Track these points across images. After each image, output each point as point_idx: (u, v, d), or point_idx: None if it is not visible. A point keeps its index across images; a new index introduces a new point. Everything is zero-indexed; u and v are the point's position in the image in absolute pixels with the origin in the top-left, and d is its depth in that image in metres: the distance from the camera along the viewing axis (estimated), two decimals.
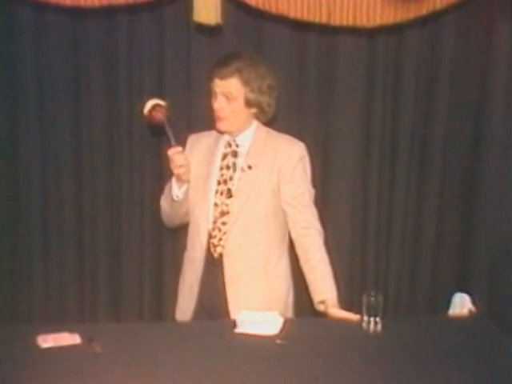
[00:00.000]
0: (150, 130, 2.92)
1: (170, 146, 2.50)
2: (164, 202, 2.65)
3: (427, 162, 3.14)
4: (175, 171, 2.52)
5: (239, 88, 2.48)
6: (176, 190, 2.57)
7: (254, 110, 2.54)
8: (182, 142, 2.63)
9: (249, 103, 2.51)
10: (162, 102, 2.52)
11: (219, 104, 2.49)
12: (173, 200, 2.59)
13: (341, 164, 3.12)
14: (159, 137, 3.00)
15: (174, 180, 2.57)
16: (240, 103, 2.50)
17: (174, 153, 2.50)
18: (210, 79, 2.51)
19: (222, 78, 2.47)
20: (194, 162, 2.60)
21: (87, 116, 3.04)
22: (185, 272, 2.65)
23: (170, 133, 2.50)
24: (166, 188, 2.63)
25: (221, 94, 2.49)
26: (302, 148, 2.58)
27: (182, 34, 2.96)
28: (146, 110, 2.52)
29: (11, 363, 1.92)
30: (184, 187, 2.56)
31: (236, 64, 2.47)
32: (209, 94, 2.56)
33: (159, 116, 2.51)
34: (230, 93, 2.48)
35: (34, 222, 3.08)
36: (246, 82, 2.47)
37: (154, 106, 2.51)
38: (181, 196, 2.56)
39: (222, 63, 2.49)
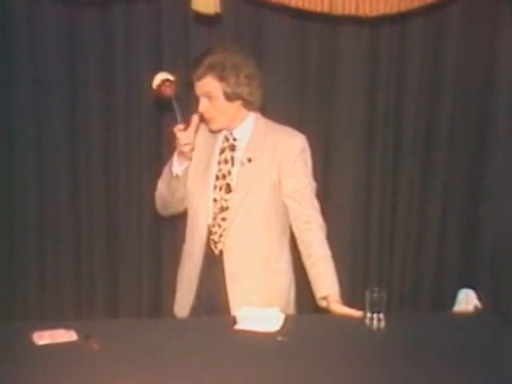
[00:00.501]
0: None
1: (176, 123, 2.44)
2: (161, 184, 2.61)
3: (431, 155, 3.13)
4: (179, 148, 2.47)
5: (216, 85, 2.44)
6: (177, 166, 2.52)
7: (239, 103, 2.50)
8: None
9: (229, 98, 2.46)
10: (171, 77, 2.45)
11: (203, 105, 2.47)
12: (171, 177, 2.54)
13: (343, 157, 3.11)
14: (157, 129, 2.99)
15: (175, 156, 2.52)
16: (221, 100, 2.46)
17: (179, 130, 2.45)
18: (191, 84, 2.48)
19: (198, 78, 2.44)
20: (193, 154, 2.56)
21: (83, 109, 3.02)
22: (184, 265, 2.63)
23: (177, 109, 2.44)
24: (165, 169, 2.59)
25: (202, 95, 2.46)
26: (303, 140, 2.55)
27: (180, 24, 2.95)
28: (154, 84, 2.46)
29: (6, 360, 1.89)
30: (184, 165, 2.51)
31: (208, 60, 2.43)
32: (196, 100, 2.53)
33: (168, 91, 2.44)
34: (209, 92, 2.45)
35: (30, 218, 3.06)
36: (221, 78, 2.43)
37: (164, 81, 2.44)
38: (180, 174, 2.52)
39: (195, 65, 2.46)
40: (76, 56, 2.96)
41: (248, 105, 2.51)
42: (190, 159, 2.51)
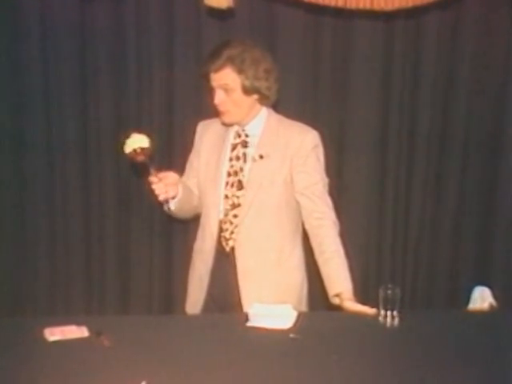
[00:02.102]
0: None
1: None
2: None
3: (446, 151, 3.11)
4: (156, 197, 2.42)
5: (234, 77, 2.42)
6: (165, 206, 2.51)
7: (255, 97, 2.48)
8: (191, 130, 2.63)
9: (247, 91, 2.45)
10: (144, 144, 2.36)
11: (218, 98, 2.44)
12: (168, 210, 2.54)
13: (357, 153, 3.10)
14: (169, 126, 2.98)
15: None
16: (238, 93, 2.45)
17: (153, 182, 2.38)
18: (205, 75, 2.45)
19: (216, 70, 2.41)
20: (204, 150, 2.58)
21: (94, 104, 3.01)
22: (195, 263, 2.62)
23: (151, 168, 2.37)
24: None
25: (218, 88, 2.44)
26: (316, 136, 2.54)
27: (192, 18, 2.93)
28: (126, 150, 2.38)
29: (18, 356, 1.90)
30: (174, 200, 2.47)
31: (227, 53, 2.41)
32: (207, 92, 2.50)
33: (140, 158, 2.36)
34: (226, 84, 2.43)
35: (40, 213, 3.06)
36: (239, 70, 2.42)
37: (135, 149, 2.35)
38: (173, 207, 2.50)
39: (213, 56, 2.43)
40: (87, 51, 2.95)
41: (264, 100, 2.50)
42: (174, 197, 2.44)
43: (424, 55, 3.00)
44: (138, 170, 2.53)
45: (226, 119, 2.50)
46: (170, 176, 2.42)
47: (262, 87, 2.46)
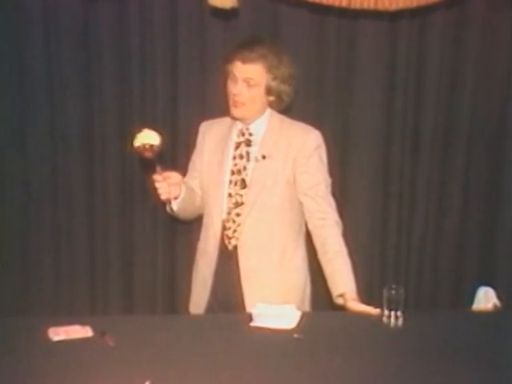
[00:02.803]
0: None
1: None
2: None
3: (451, 151, 3.08)
4: (159, 195, 2.43)
5: (262, 74, 2.44)
6: (168, 206, 2.53)
7: (271, 98, 2.51)
8: (195, 129, 2.63)
9: (269, 91, 2.47)
10: (154, 141, 2.36)
11: (239, 89, 2.44)
12: (171, 211, 2.54)
13: (360, 154, 3.08)
14: (173, 126, 2.98)
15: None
16: (260, 90, 2.46)
17: (157, 180, 2.39)
18: (230, 61, 2.46)
19: (246, 62, 2.42)
20: (207, 150, 2.58)
21: (98, 104, 2.99)
22: (198, 264, 2.62)
23: (157, 166, 2.38)
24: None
25: (242, 79, 2.44)
26: (318, 136, 2.54)
27: (196, 18, 2.91)
28: (135, 144, 2.38)
29: (22, 356, 1.90)
30: (177, 200, 2.48)
31: (261, 50, 2.42)
32: (223, 78, 2.51)
33: (148, 155, 2.37)
34: (251, 79, 2.44)
35: (44, 214, 3.05)
36: (269, 69, 2.44)
37: (145, 145, 2.36)
38: (175, 208, 2.51)
39: (246, 47, 2.43)
40: (91, 50, 2.93)
41: (278, 103, 2.52)
42: (176, 198, 2.46)
43: (428, 55, 2.98)
44: (144, 166, 2.52)
45: (238, 112, 2.49)
46: (174, 176, 2.43)
47: (284, 91, 2.49)
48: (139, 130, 2.40)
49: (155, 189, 2.41)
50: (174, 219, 2.76)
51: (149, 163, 2.39)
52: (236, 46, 2.48)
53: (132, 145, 2.39)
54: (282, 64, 2.46)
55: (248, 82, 2.43)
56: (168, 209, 2.54)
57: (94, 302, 3.10)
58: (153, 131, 2.39)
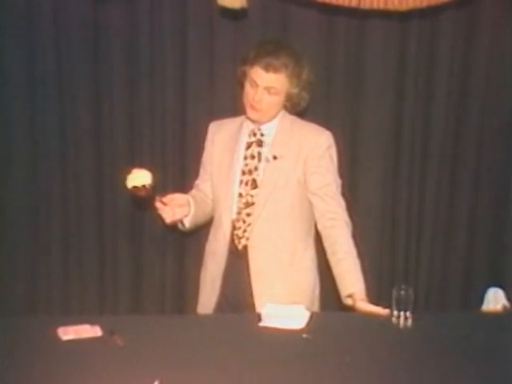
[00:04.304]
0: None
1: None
2: None
3: (460, 152, 3.08)
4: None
5: (284, 83, 2.44)
6: (179, 225, 2.53)
7: (289, 104, 2.50)
8: (204, 130, 2.63)
9: (289, 98, 2.48)
10: (146, 181, 2.36)
11: (259, 96, 2.42)
12: (183, 227, 2.55)
13: (370, 154, 3.07)
14: (182, 127, 2.98)
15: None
16: (281, 97, 2.46)
17: (160, 208, 2.40)
18: (250, 65, 2.43)
19: (269, 70, 2.40)
20: (216, 151, 2.58)
21: (107, 104, 2.99)
22: (207, 264, 2.62)
23: (156, 197, 2.38)
24: None
25: (263, 87, 2.42)
26: (329, 137, 2.54)
27: (205, 19, 2.91)
28: (128, 185, 2.38)
29: (31, 355, 1.91)
30: (187, 218, 2.49)
31: (284, 58, 2.41)
32: (239, 78, 2.51)
33: (142, 194, 2.37)
34: (273, 87, 2.42)
35: (53, 213, 3.05)
36: (291, 77, 2.44)
37: (138, 187, 2.36)
38: (188, 225, 2.52)
39: (269, 54, 2.40)
40: (100, 51, 2.94)
41: (295, 108, 2.52)
42: (186, 215, 2.47)
43: (439, 55, 2.96)
44: (139, 203, 2.51)
45: (256, 116, 2.48)
46: (177, 198, 2.43)
47: (303, 98, 2.50)
48: (128, 172, 2.38)
49: (159, 215, 2.41)
50: (185, 234, 2.75)
51: (145, 200, 2.40)
52: (257, 49, 2.46)
53: (125, 186, 2.38)
54: (303, 72, 2.46)
55: (269, 90, 2.42)
56: (180, 227, 2.55)
57: (104, 301, 3.11)
58: (142, 170, 2.38)
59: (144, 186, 2.35)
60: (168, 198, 2.39)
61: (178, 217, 2.43)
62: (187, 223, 2.50)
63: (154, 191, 2.38)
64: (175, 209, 2.40)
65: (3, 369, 1.81)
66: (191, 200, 2.49)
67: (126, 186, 2.38)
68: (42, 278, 3.07)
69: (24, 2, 2.88)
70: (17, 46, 2.90)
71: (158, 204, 2.38)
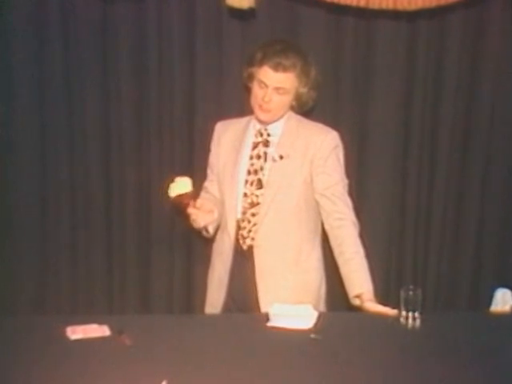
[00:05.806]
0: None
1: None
2: None
3: (469, 153, 3.05)
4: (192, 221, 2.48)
5: (293, 83, 2.44)
6: (203, 231, 2.56)
7: (296, 103, 2.50)
8: (211, 130, 2.65)
9: (298, 97, 2.48)
10: (188, 189, 2.41)
11: (269, 96, 2.43)
12: (207, 233, 2.58)
13: (378, 154, 3.05)
14: (189, 125, 2.99)
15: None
16: (290, 97, 2.47)
17: (192, 211, 2.42)
18: (258, 66, 2.44)
19: (278, 70, 2.40)
20: (223, 152, 2.58)
21: (116, 104, 2.99)
22: (214, 264, 2.63)
23: (191, 202, 2.42)
24: None
25: (272, 88, 2.42)
26: (336, 137, 2.54)
27: (213, 18, 2.91)
28: (172, 194, 2.43)
29: (40, 354, 1.91)
30: (212, 224, 2.52)
31: (293, 58, 2.41)
32: (246, 79, 2.51)
33: (185, 202, 2.42)
34: (282, 88, 2.42)
35: (61, 213, 3.06)
36: (300, 77, 2.44)
37: (181, 195, 2.41)
38: (212, 231, 2.55)
39: (277, 54, 2.41)
40: (108, 52, 2.94)
41: (302, 107, 2.53)
42: (212, 222, 2.49)
43: (447, 55, 2.95)
44: (179, 210, 2.54)
45: (265, 117, 2.48)
46: (206, 204, 2.45)
47: (311, 97, 2.51)
48: (171, 180, 2.43)
49: (192, 221, 2.45)
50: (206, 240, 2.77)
51: (185, 207, 2.43)
52: (264, 49, 2.46)
53: (167, 195, 2.43)
54: (312, 70, 2.46)
55: (278, 90, 2.42)
56: (204, 233, 2.57)
57: (112, 301, 3.11)
58: (184, 178, 2.43)
59: (186, 193, 2.40)
60: (199, 203, 2.42)
61: (208, 220, 2.46)
62: (211, 229, 2.53)
63: (194, 198, 2.43)
64: (205, 214, 2.43)
65: (12, 368, 1.81)
66: (215, 208, 2.50)
67: (168, 196, 2.43)
68: (50, 278, 3.07)
69: (32, 2, 2.88)
70: (24, 45, 2.91)
71: (190, 210, 2.41)
